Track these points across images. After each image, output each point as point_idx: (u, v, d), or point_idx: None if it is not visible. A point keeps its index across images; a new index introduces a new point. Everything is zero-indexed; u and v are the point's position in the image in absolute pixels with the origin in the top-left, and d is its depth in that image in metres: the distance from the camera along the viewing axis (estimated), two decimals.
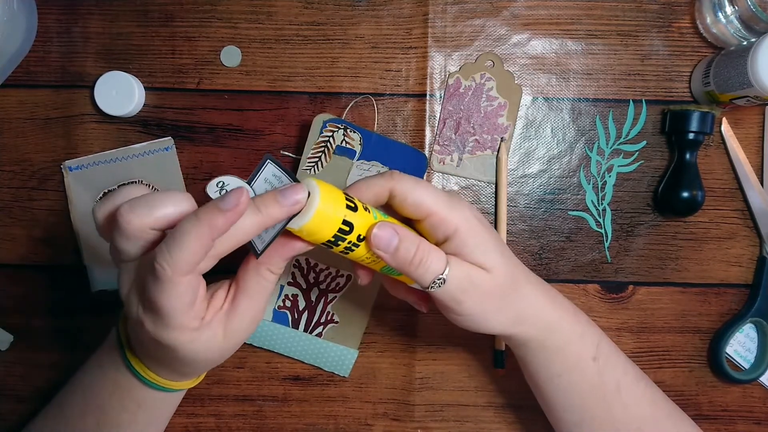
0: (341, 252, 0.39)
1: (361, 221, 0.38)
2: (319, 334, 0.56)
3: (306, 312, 0.56)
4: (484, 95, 0.57)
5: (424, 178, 0.56)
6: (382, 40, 0.57)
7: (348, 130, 0.55)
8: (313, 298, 0.56)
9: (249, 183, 0.36)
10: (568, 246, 0.58)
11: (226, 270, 0.39)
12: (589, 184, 0.57)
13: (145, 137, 0.57)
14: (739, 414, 0.58)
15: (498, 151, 0.57)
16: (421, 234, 0.41)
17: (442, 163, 0.57)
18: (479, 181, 0.58)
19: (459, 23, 0.57)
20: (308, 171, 0.55)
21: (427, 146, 0.57)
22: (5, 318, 0.58)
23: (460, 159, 0.57)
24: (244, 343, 0.56)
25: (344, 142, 0.55)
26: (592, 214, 0.57)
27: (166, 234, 0.35)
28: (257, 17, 0.57)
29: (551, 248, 0.58)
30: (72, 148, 0.57)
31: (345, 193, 0.38)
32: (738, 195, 0.57)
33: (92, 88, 0.56)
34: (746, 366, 0.57)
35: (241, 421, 0.58)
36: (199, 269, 0.35)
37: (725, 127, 0.57)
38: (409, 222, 0.42)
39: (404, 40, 0.57)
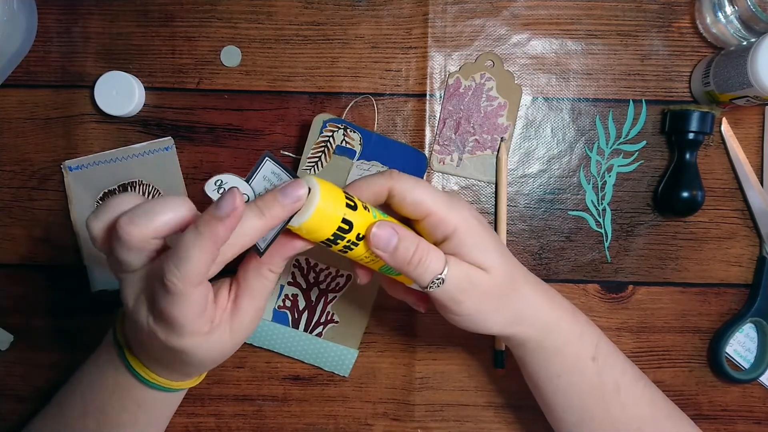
0: (340, 251, 0.39)
1: (361, 220, 0.38)
2: (319, 334, 0.56)
3: (306, 312, 0.56)
4: (484, 95, 0.57)
5: (424, 178, 0.56)
6: (382, 40, 0.57)
7: (348, 130, 0.55)
8: (313, 298, 0.56)
9: (247, 181, 0.36)
10: (568, 246, 0.58)
11: (226, 270, 0.39)
12: (589, 184, 0.57)
13: (145, 137, 0.57)
14: (739, 414, 0.58)
15: (498, 151, 0.57)
16: (420, 234, 0.41)
17: (442, 163, 0.57)
18: (479, 181, 0.58)
19: (459, 23, 0.57)
20: (308, 171, 0.55)
21: (427, 146, 0.57)
22: (5, 318, 0.58)
23: (460, 159, 0.57)
24: (245, 342, 0.57)
25: (344, 142, 0.55)
26: (592, 214, 0.57)
27: (166, 240, 0.35)
28: (257, 17, 0.57)
29: (551, 248, 0.58)
30: (72, 148, 0.57)
31: (345, 192, 0.38)
32: (738, 195, 0.57)
33: (92, 88, 0.56)
34: (746, 366, 0.57)
35: (241, 421, 0.58)
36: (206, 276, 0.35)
37: (725, 127, 0.57)
38: (408, 222, 0.42)
39: (404, 40, 0.57)
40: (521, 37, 0.57)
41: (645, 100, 0.57)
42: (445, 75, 0.57)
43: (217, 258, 0.34)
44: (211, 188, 0.35)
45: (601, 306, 0.57)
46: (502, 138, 0.57)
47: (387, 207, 0.41)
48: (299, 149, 0.57)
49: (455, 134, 0.57)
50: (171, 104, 0.57)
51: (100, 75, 0.55)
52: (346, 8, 0.57)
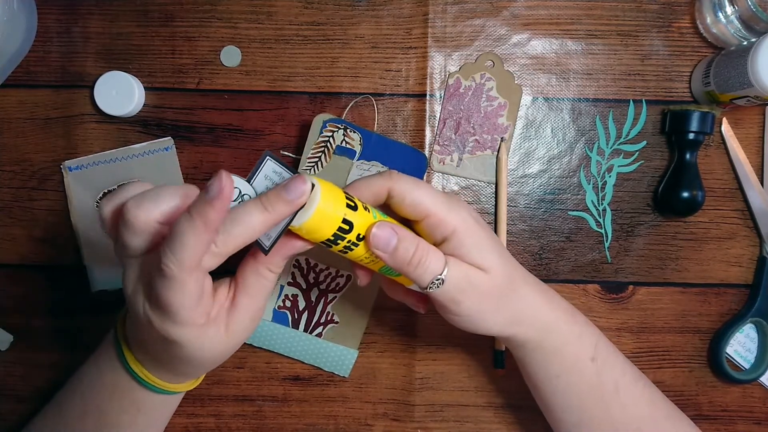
0: (340, 251, 0.39)
1: (361, 220, 0.38)
2: (319, 334, 0.56)
3: (306, 312, 0.56)
4: (484, 95, 0.57)
5: (424, 178, 0.56)
6: (382, 40, 0.57)
7: (348, 130, 0.55)
8: (313, 298, 0.56)
9: (249, 181, 0.36)
10: (568, 246, 0.57)
11: (226, 270, 0.39)
12: (589, 184, 0.57)
13: (145, 137, 0.57)
14: (739, 414, 0.57)
15: (498, 151, 0.57)
16: (419, 235, 0.41)
17: (442, 163, 0.57)
18: (479, 181, 0.58)
19: (459, 23, 0.57)
20: (308, 171, 0.55)
21: (427, 146, 0.57)
22: (5, 318, 0.58)
23: (460, 159, 0.57)
24: (245, 343, 0.56)
25: (344, 142, 0.55)
26: (592, 214, 0.57)
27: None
28: (257, 17, 0.57)
29: (551, 248, 0.58)
30: (72, 148, 0.57)
31: (345, 192, 0.38)
32: (738, 195, 0.57)
33: (92, 88, 0.56)
34: (746, 366, 0.57)
35: (241, 421, 0.58)
36: (206, 266, 0.35)
37: (725, 127, 0.57)
38: (408, 223, 0.42)
39: (404, 40, 0.57)
40: (521, 37, 0.57)
41: (645, 100, 0.57)
42: (445, 75, 0.57)
43: (211, 243, 0.34)
44: None
45: (602, 306, 0.57)
46: (502, 138, 0.57)
47: (386, 208, 0.41)
48: (299, 149, 0.57)
49: (455, 134, 0.57)
50: (171, 104, 0.57)
51: (100, 75, 0.55)
52: (346, 8, 0.57)
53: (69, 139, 0.57)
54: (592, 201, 0.57)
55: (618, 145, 0.57)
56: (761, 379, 0.57)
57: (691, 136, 0.54)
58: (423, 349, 0.58)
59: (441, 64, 0.57)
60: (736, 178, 0.57)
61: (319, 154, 0.55)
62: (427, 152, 0.57)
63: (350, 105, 0.57)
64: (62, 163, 0.57)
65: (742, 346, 0.57)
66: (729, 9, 0.53)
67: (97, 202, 0.57)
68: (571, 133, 0.58)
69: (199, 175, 0.57)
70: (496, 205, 0.57)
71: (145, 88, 0.57)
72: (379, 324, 0.57)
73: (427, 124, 0.57)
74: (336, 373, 0.57)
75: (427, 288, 0.40)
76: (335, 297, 0.56)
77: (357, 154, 0.55)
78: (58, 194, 0.57)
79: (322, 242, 0.38)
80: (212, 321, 0.37)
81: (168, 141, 0.57)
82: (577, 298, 0.57)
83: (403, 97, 0.57)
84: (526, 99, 0.58)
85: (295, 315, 0.56)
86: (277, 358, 0.57)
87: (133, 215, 0.34)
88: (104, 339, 0.45)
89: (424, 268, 0.39)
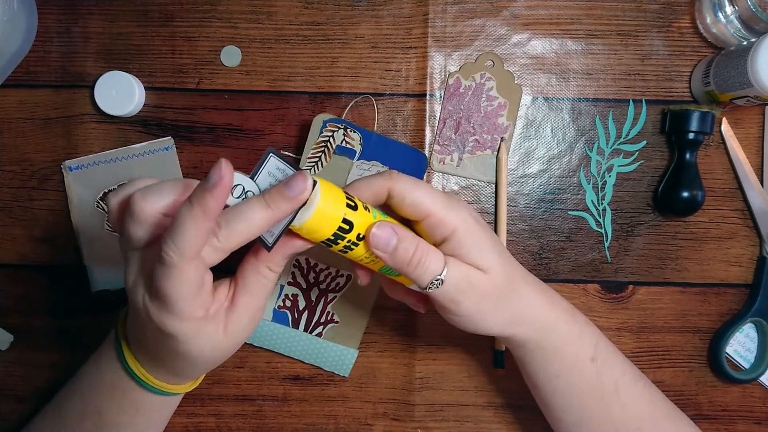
0: (340, 251, 0.39)
1: (361, 220, 0.38)
2: (319, 334, 0.56)
3: (306, 312, 0.56)
4: (484, 95, 0.57)
5: (424, 178, 0.56)
6: (382, 40, 0.57)
7: (348, 130, 0.55)
8: (313, 298, 0.56)
9: (252, 178, 0.37)
10: (568, 246, 0.58)
11: (226, 270, 0.39)
12: (589, 183, 0.57)
13: (145, 137, 0.57)
14: (739, 414, 0.58)
15: (498, 151, 0.57)
16: (419, 235, 0.41)
17: (442, 162, 0.57)
18: (479, 181, 0.58)
19: (459, 23, 0.57)
20: (308, 171, 0.55)
21: (427, 146, 0.57)
22: (5, 318, 0.58)
23: (460, 159, 0.57)
24: (245, 342, 0.57)
25: (344, 142, 0.55)
26: (592, 214, 0.57)
27: None
28: (257, 17, 0.57)
29: (551, 248, 0.58)
30: (72, 148, 0.57)
31: (345, 192, 0.38)
32: (738, 195, 0.57)
33: (92, 88, 0.56)
34: (746, 366, 0.57)
35: (241, 421, 0.58)
36: (208, 261, 0.35)
37: (725, 127, 0.57)
38: (409, 223, 0.42)
39: (404, 40, 0.57)
40: (521, 37, 0.57)
41: (645, 100, 0.57)
42: (445, 75, 0.57)
43: (211, 232, 0.34)
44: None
45: (601, 306, 0.57)
46: (502, 138, 0.57)
47: (387, 208, 0.42)
48: (299, 149, 0.57)
49: (455, 134, 0.57)
50: (171, 104, 0.57)
51: (100, 75, 0.55)
52: (346, 8, 0.57)
53: (69, 139, 0.57)
54: (592, 201, 0.57)
55: (618, 144, 0.57)
56: (761, 378, 0.57)
57: (691, 136, 0.54)
58: (423, 348, 0.58)
59: (441, 63, 0.57)
60: (736, 178, 0.57)
61: (319, 154, 0.55)
62: (427, 152, 0.57)
63: (350, 105, 0.57)
64: (62, 163, 0.57)
65: (742, 345, 0.57)
66: (729, 9, 0.53)
67: (98, 202, 0.57)
68: (571, 132, 0.58)
69: (199, 175, 0.57)
70: (496, 205, 0.57)
71: (145, 88, 0.57)
72: (379, 324, 0.57)
73: (427, 124, 0.57)
74: (336, 372, 0.57)
75: (426, 288, 0.40)
76: (335, 297, 0.56)
77: (357, 154, 0.55)
78: (58, 194, 0.57)
79: (322, 242, 0.38)
80: (211, 318, 0.37)
81: (168, 141, 0.57)
82: (577, 298, 0.57)
83: (403, 97, 0.57)
84: (526, 99, 0.58)
85: (295, 315, 0.56)
86: (277, 358, 0.57)
87: (139, 206, 0.35)
88: (105, 339, 0.45)
89: (423, 268, 0.39)
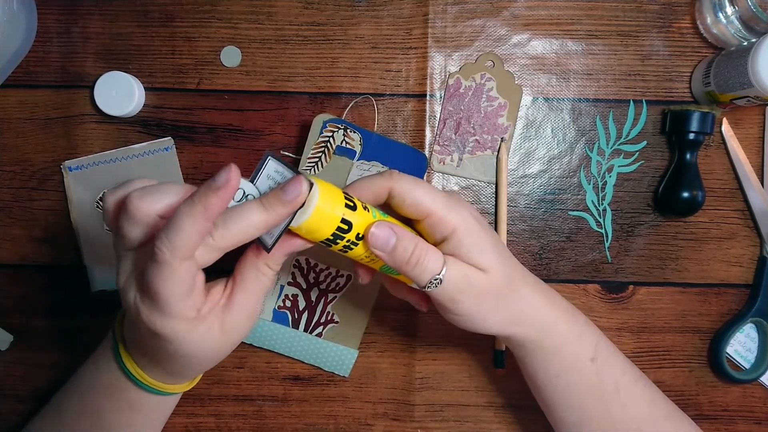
0: (340, 250, 0.39)
1: (360, 220, 0.38)
2: (319, 334, 0.56)
3: (306, 312, 0.56)
4: (484, 95, 0.57)
5: (424, 178, 0.56)
6: (382, 40, 0.57)
7: (348, 130, 0.55)
8: (313, 298, 0.56)
9: (252, 181, 0.37)
10: (569, 246, 0.57)
11: (220, 270, 0.39)
12: (589, 184, 0.57)
13: (145, 137, 0.57)
14: (740, 414, 0.57)
15: (498, 152, 0.57)
16: (420, 234, 0.41)
17: (442, 163, 0.57)
18: (479, 182, 0.58)
19: (459, 23, 0.57)
20: (308, 171, 0.55)
21: (427, 146, 0.57)
22: (5, 318, 0.58)
23: (460, 159, 0.57)
24: (244, 343, 0.57)
25: (344, 142, 0.55)
26: (592, 214, 0.57)
27: None
28: (257, 17, 0.57)
29: (551, 248, 0.58)
30: (72, 148, 0.57)
31: (344, 192, 0.38)
32: (738, 195, 0.57)
33: (92, 88, 0.56)
34: (746, 366, 0.57)
35: (241, 421, 0.58)
36: (201, 261, 0.35)
37: (725, 128, 0.57)
38: (409, 222, 0.42)
39: (404, 41, 0.57)
40: (521, 37, 0.57)
41: (645, 101, 0.57)
42: (445, 75, 0.57)
43: (207, 234, 0.34)
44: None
45: (602, 306, 0.57)
46: (502, 138, 0.57)
47: (387, 207, 0.42)
48: (299, 149, 0.57)
49: (455, 134, 0.57)
50: (171, 104, 0.57)
51: (100, 75, 0.55)
52: (346, 8, 0.57)
53: (69, 139, 0.57)
54: (592, 201, 0.57)
55: (618, 145, 0.57)
56: (761, 378, 0.57)
57: (692, 136, 0.54)
58: (423, 348, 0.58)
59: (441, 64, 0.57)
60: (736, 178, 0.57)
61: (319, 155, 0.55)
62: (427, 152, 0.57)
63: (350, 105, 0.57)
64: (62, 163, 0.57)
65: (742, 345, 0.57)
66: (729, 9, 0.53)
67: (97, 202, 0.57)
68: (572, 133, 0.58)
69: (199, 175, 0.57)
70: (496, 205, 0.57)
71: (145, 88, 0.57)
72: (380, 324, 0.57)
73: (427, 125, 0.57)
74: (336, 372, 0.57)
75: (425, 287, 0.40)
76: (335, 297, 0.56)
77: (357, 154, 0.55)
78: (58, 194, 0.57)
79: (322, 241, 0.38)
80: (203, 318, 0.37)
81: (168, 141, 0.57)
82: (578, 298, 0.57)
83: (403, 97, 0.57)
84: (526, 99, 0.58)
85: (295, 315, 0.56)
86: (277, 358, 0.57)
87: (135, 206, 0.35)
88: (104, 339, 0.45)
89: (422, 267, 0.39)
